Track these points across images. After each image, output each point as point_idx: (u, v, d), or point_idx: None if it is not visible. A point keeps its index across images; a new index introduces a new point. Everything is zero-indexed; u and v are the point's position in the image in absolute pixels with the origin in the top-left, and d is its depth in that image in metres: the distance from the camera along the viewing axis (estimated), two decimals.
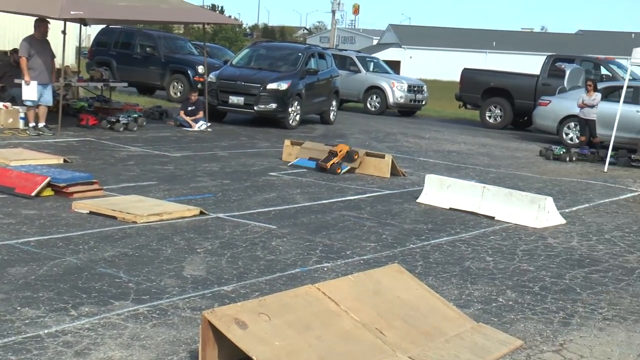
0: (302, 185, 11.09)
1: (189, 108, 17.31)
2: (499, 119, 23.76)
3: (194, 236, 7.69)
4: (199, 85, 21.13)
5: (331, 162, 12.14)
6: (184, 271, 6.53)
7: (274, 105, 17.93)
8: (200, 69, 22.45)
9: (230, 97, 17.99)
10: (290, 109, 18.27)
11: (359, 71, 26.46)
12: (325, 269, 6.96)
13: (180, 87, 23.29)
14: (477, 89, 24.05)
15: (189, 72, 23.10)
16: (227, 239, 7.71)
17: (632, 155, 16.40)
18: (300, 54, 19.48)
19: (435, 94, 35.85)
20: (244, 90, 17.94)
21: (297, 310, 4.74)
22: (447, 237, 8.65)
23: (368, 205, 10.11)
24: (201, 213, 8.61)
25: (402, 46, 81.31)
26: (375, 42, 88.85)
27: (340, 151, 12.30)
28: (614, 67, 23.16)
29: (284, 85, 18.06)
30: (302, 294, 4.93)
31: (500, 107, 23.69)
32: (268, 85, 17.94)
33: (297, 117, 18.65)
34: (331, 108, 20.82)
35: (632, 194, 12.68)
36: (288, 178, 11.64)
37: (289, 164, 12.84)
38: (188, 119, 17.09)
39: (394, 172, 12.48)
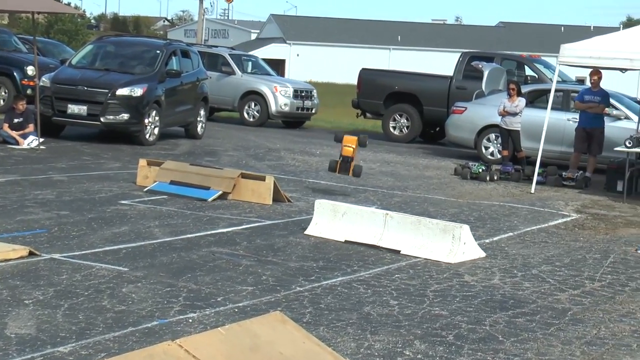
0: (161, 216, 11.00)
1: (15, 120, 16.91)
2: (405, 131, 24.21)
3: (20, 284, 7.50)
4: (29, 91, 20.69)
5: (351, 167, 12.72)
6: (6, 329, 6.35)
7: (125, 116, 17.73)
8: (30, 70, 21.99)
9: (70, 105, 17.67)
10: (146, 121, 18.10)
11: (233, 73, 26.50)
12: (191, 320, 6.91)
13: (3, 93, 22.74)
14: (379, 93, 24.46)
15: (14, 74, 22.58)
16: (65, 286, 7.55)
17: (564, 173, 16.98)
18: (158, 52, 19.36)
19: (328, 100, 36.25)
20: (87, 97, 17.67)
21: None
22: (342, 276, 8.72)
23: (244, 239, 10.10)
24: (31, 254, 8.41)
25: (287, 41, 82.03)
26: (253, 36, 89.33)
27: (349, 147, 13.07)
28: (540, 67, 24.01)
29: (138, 91, 17.89)
30: (159, 353, 4.86)
31: (406, 116, 24.16)
32: (118, 90, 17.73)
33: (156, 131, 18.50)
34: (199, 119, 20.76)
35: (564, 220, 13.14)
36: (144, 207, 11.52)
37: (145, 190, 12.71)
38: (14, 133, 16.69)
39: (277, 197, 12.53)
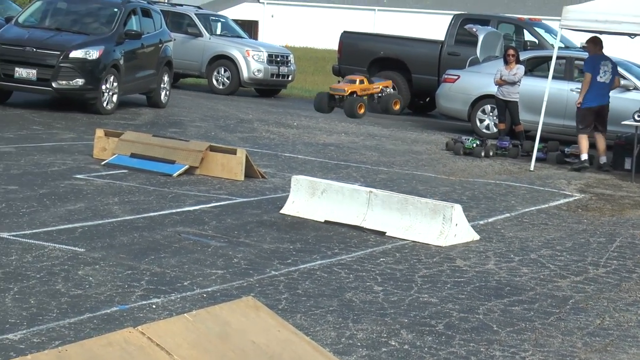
0: (121, 192, 11.01)
1: None
2: None
3: None
4: None
5: (350, 87, 11.78)
6: None
7: (80, 81, 17.66)
8: None
9: (17, 69, 17.60)
10: (103, 87, 18.04)
11: (200, 35, 26.39)
12: (154, 306, 6.96)
13: None
14: (362, 59, 24.42)
15: None
16: (14, 267, 7.58)
17: (566, 149, 17.05)
18: (116, 10, 19.28)
19: (306, 67, 36.24)
20: (37, 60, 17.59)
21: None
22: (321, 260, 8.79)
23: (214, 218, 10.14)
24: None
25: (261, 0, 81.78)
26: None
27: (362, 82, 12.03)
28: (541, 31, 24.04)
29: (93, 54, 17.83)
30: (120, 341, 4.90)
31: (393, 85, 24.17)
32: (71, 52, 17.66)
33: (114, 98, 18.45)
34: (162, 85, 20.71)
35: (566, 200, 13.24)
36: (101, 182, 11.53)
37: (103, 163, 12.71)
38: None
39: (250, 173, 12.56)
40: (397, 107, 11.77)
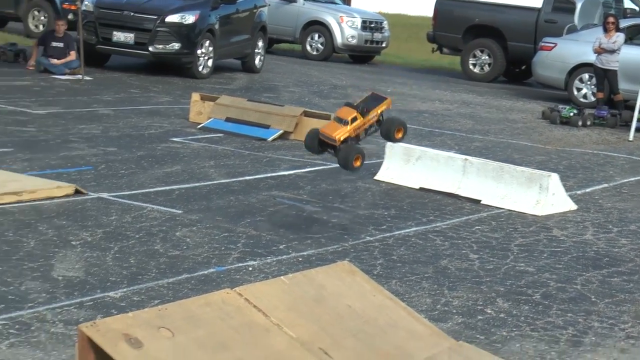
0: (217, 156, 11.10)
1: (54, 44, 17.11)
2: (486, 68, 24.03)
3: (67, 223, 7.65)
4: (70, 16, 20.83)
5: (341, 133, 9.89)
6: (53, 271, 6.51)
7: (176, 46, 17.83)
8: None
9: (115, 33, 17.83)
10: (199, 51, 18.19)
11: (294, 0, 26.42)
12: (251, 268, 7.01)
13: (43, 17, 22.94)
14: (457, 27, 24.24)
15: None
16: (114, 227, 7.70)
17: None
18: None
19: (400, 34, 35.98)
20: (134, 24, 17.79)
21: (210, 324, 4.75)
22: (416, 226, 8.76)
23: (308, 183, 10.17)
24: (77, 192, 8.56)
25: None
26: None
27: (355, 119, 10.01)
28: None
29: (189, 18, 17.96)
30: (218, 302, 4.95)
31: (488, 52, 23.96)
32: (168, 17, 17.83)
33: (209, 63, 18.60)
34: (256, 50, 20.80)
35: None
36: (197, 145, 11.64)
37: (199, 127, 12.84)
38: (56, 61, 16.89)
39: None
40: (400, 135, 10.48)
